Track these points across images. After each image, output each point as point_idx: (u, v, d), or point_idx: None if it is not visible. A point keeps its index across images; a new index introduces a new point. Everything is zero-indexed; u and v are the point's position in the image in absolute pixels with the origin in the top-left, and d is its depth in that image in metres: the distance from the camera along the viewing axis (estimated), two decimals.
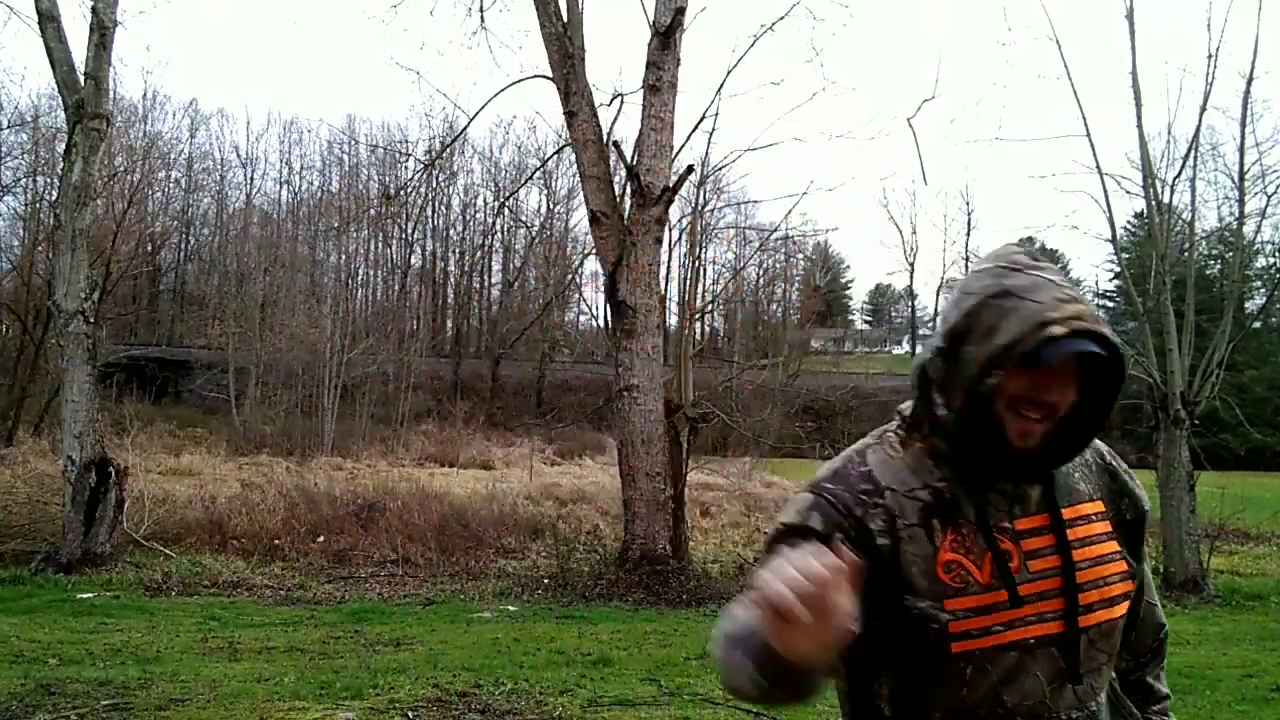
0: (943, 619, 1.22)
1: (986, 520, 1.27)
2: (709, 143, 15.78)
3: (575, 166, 10.83)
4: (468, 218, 52.36)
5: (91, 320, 10.12)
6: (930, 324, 64.60)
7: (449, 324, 52.45)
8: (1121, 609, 1.33)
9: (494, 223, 50.21)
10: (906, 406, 1.38)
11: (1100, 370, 1.27)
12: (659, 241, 9.96)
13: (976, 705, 1.24)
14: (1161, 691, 1.50)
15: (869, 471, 1.31)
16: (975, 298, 1.27)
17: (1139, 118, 10.41)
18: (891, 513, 1.26)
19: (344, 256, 46.13)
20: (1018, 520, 1.29)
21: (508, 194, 45.86)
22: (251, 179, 55.44)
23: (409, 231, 49.43)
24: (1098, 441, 1.42)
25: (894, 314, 73.12)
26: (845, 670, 1.29)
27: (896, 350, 62.17)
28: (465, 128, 22.15)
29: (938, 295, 61.47)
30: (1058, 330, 1.21)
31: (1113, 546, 1.34)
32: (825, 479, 1.32)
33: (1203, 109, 10.28)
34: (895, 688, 1.28)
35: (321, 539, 10.99)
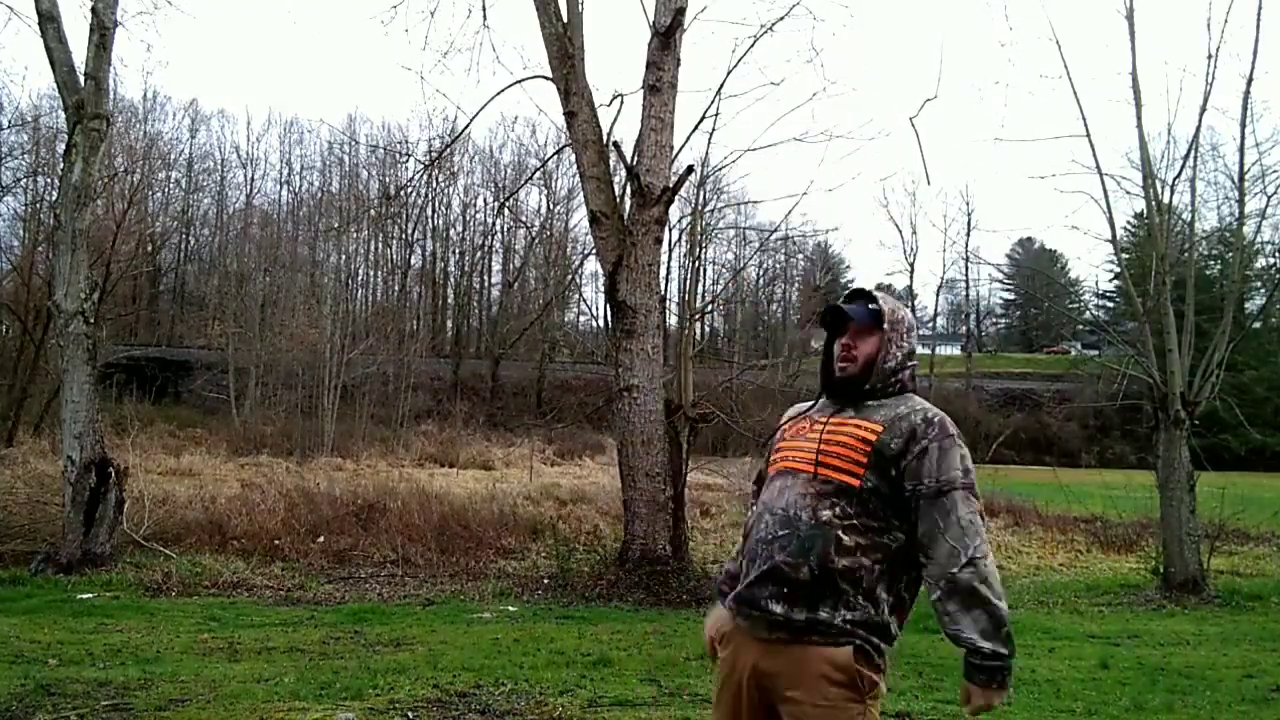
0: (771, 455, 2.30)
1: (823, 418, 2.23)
2: (709, 143, 15.82)
3: (575, 167, 10.83)
4: (468, 218, 52.41)
5: (91, 320, 10.12)
6: (930, 324, 64.60)
7: (449, 324, 52.44)
8: (844, 478, 2.07)
9: (494, 223, 50.25)
10: None
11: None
12: (659, 241, 9.95)
13: (765, 492, 2.24)
14: (957, 634, 1.99)
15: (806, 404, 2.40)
16: None
17: (1139, 118, 10.40)
18: (787, 416, 2.39)
19: (344, 256, 46.11)
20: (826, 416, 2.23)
21: (508, 194, 45.86)
22: (252, 179, 55.52)
23: (409, 231, 49.44)
24: (929, 416, 2.11)
25: None
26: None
27: None
28: (465, 128, 22.24)
29: (938, 295, 61.53)
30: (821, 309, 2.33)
31: (858, 446, 2.08)
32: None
33: (1203, 109, 10.26)
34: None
35: (321, 539, 10.99)
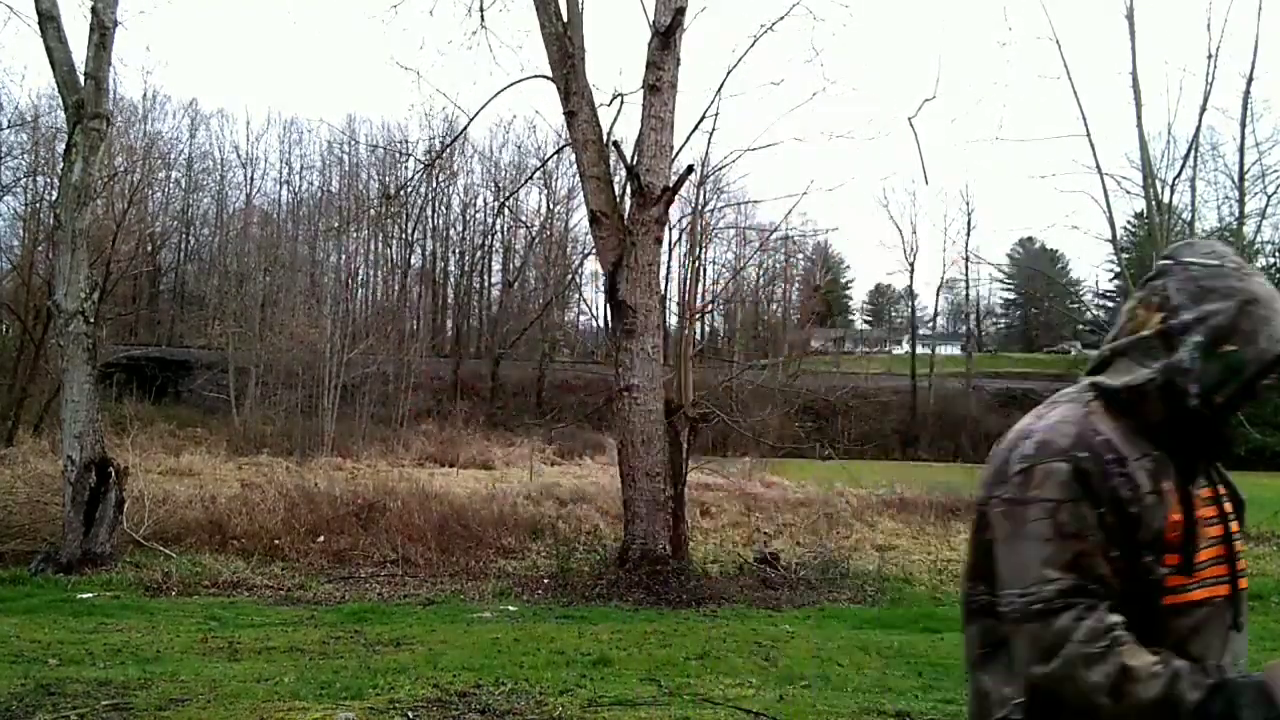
0: (1160, 573, 1.36)
1: (1188, 489, 1.41)
2: (709, 143, 15.84)
3: (575, 166, 10.83)
4: (468, 218, 52.37)
5: (91, 320, 10.12)
6: (930, 324, 64.59)
7: (449, 324, 52.45)
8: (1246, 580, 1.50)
9: (494, 223, 50.20)
10: (1108, 380, 1.48)
11: None
12: (659, 241, 9.95)
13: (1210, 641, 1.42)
14: None
15: (1108, 440, 1.39)
16: (1232, 302, 1.39)
17: (1139, 118, 10.45)
18: (1134, 481, 1.37)
19: (344, 256, 46.00)
20: (1199, 491, 1.44)
21: (508, 194, 45.82)
22: (251, 179, 55.43)
23: (409, 231, 49.39)
24: None
25: (894, 314, 73.04)
26: None
27: (896, 350, 62.03)
28: (465, 128, 22.19)
29: (937, 295, 61.45)
30: None
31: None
32: (1072, 447, 1.39)
33: (1203, 109, 10.32)
34: None
35: (321, 539, 10.99)
